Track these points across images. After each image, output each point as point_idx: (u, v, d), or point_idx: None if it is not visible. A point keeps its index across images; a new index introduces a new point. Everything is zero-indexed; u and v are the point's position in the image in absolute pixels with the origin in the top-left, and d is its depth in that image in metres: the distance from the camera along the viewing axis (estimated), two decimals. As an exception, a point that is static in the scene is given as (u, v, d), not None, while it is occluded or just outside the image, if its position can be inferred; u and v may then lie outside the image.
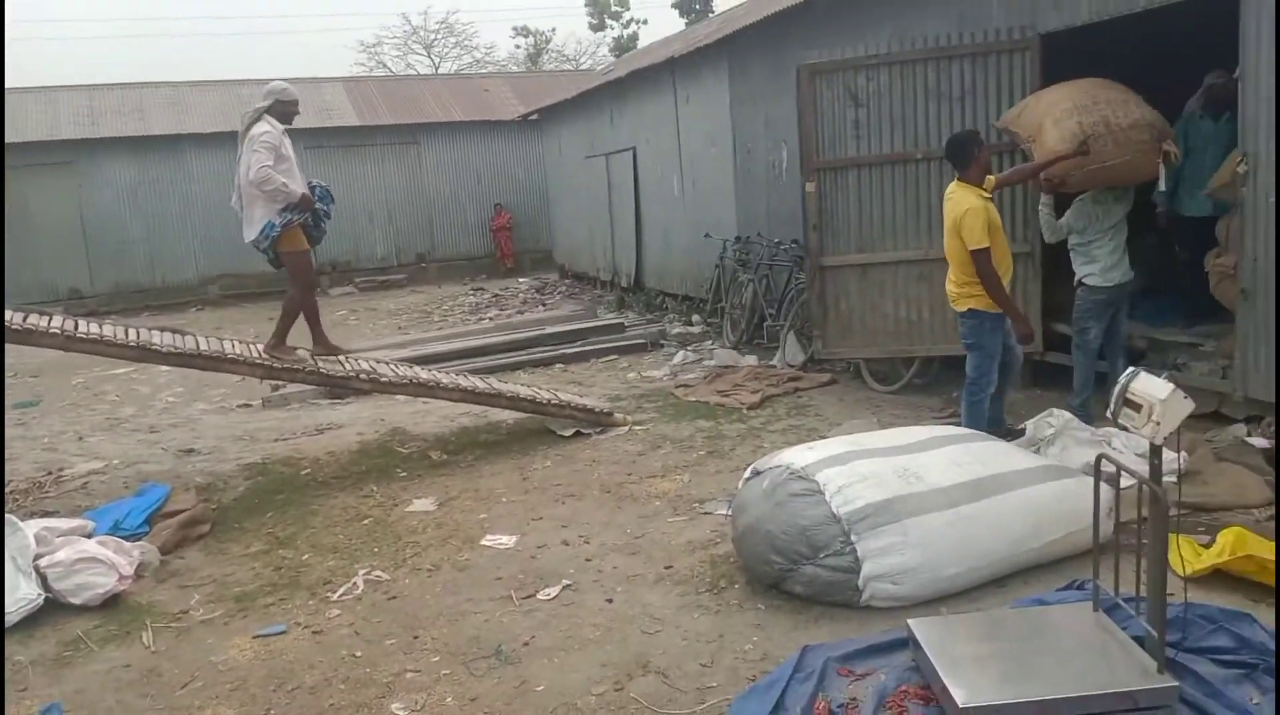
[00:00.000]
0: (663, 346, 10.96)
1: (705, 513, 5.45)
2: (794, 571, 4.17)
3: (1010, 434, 5.73)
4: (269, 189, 6.31)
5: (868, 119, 7.55)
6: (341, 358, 6.98)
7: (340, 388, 7.67)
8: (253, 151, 6.29)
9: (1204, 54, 6.71)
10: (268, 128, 6.38)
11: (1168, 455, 4.02)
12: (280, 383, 8.82)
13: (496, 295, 17.79)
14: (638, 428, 7.42)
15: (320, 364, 6.77)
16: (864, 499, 4.16)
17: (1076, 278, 6.31)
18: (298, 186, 6.45)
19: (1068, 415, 5.90)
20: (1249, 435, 4.92)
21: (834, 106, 7.64)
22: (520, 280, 20.06)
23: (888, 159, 7.54)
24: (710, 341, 10.88)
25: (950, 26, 7.54)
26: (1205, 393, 6.10)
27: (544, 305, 15.96)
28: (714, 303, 11.69)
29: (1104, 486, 3.54)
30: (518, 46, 40.60)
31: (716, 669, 3.72)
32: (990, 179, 5.78)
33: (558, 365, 10.37)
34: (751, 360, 9.56)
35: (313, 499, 6.25)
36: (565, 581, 4.64)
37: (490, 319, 14.40)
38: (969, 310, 5.71)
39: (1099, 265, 6.16)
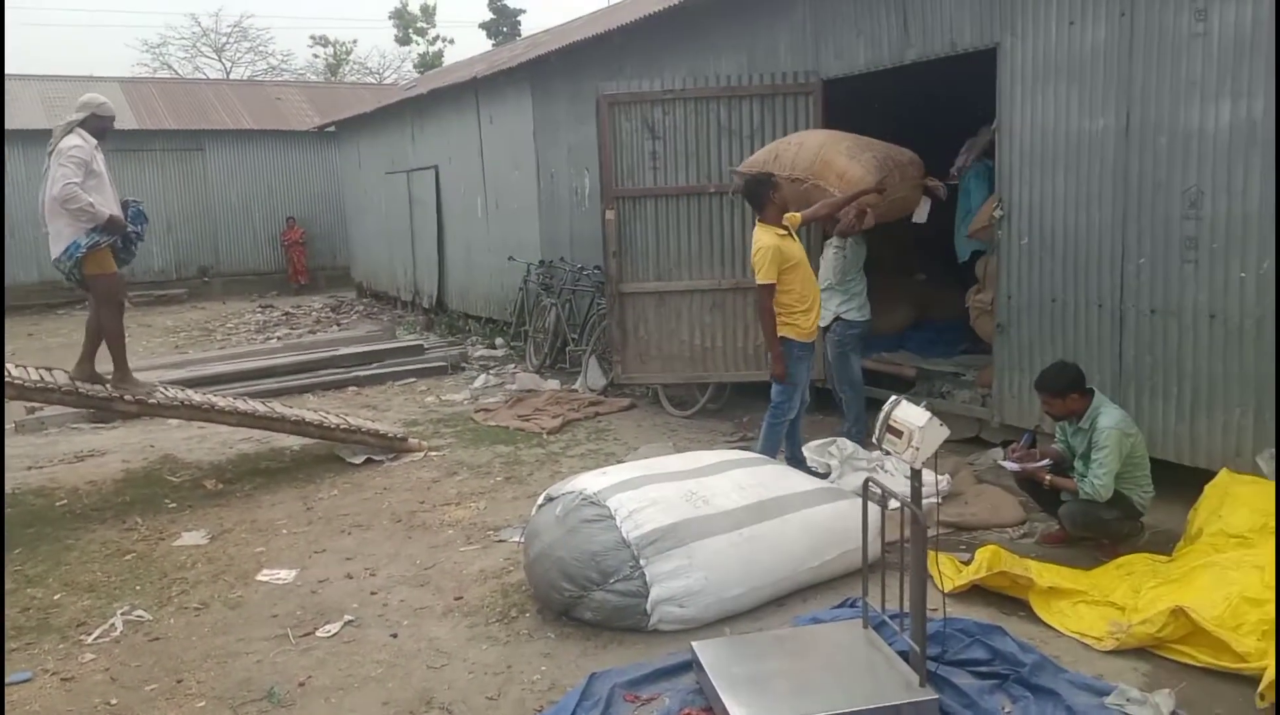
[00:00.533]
0: (464, 369, 10.79)
1: (499, 541, 5.37)
2: (584, 598, 4.17)
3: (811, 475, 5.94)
4: (73, 207, 5.91)
5: (665, 151, 7.74)
6: (105, 382, 6.47)
7: (104, 410, 7.11)
8: (60, 165, 5.92)
9: (975, 103, 7.26)
10: (79, 141, 6.00)
11: (928, 477, 4.31)
12: (35, 405, 8.05)
13: (287, 313, 16.98)
14: (434, 453, 7.24)
15: (79, 385, 6.25)
16: (653, 523, 4.21)
17: (831, 317, 6.57)
18: (107, 206, 6.05)
19: (851, 445, 6.25)
20: (1003, 458, 5.33)
21: (633, 138, 7.79)
22: (314, 298, 19.26)
23: (683, 191, 7.75)
24: (513, 365, 10.80)
25: (741, 68, 7.91)
26: (967, 419, 6.61)
27: (339, 325, 15.38)
28: (518, 326, 11.63)
29: (874, 508, 3.74)
30: (316, 56, 39.28)
31: (503, 701, 3.65)
32: (794, 217, 5.98)
33: (351, 388, 10.00)
34: (554, 384, 9.56)
35: (68, 533, 5.74)
36: (348, 617, 4.44)
37: (279, 339, 13.71)
38: (780, 337, 5.91)
39: (858, 302, 6.58)
